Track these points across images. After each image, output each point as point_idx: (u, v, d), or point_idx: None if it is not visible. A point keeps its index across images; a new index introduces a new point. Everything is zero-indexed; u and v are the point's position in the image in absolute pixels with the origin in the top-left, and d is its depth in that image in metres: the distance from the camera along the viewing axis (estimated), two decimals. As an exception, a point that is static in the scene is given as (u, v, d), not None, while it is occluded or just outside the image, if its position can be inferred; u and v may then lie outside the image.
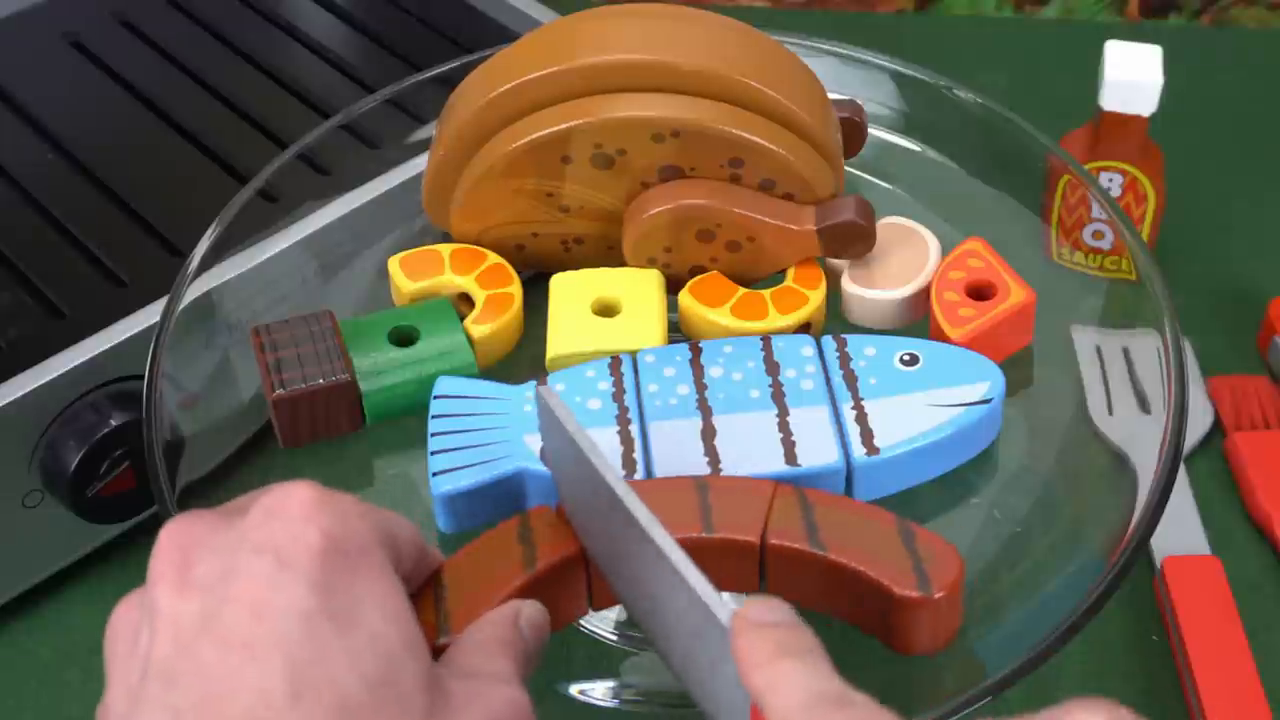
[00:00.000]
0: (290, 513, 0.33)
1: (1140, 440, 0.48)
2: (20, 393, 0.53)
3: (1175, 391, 0.48)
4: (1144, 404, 0.54)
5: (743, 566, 0.42)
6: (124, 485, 0.55)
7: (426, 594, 0.40)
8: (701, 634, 0.35)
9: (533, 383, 0.48)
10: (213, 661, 0.31)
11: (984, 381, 0.47)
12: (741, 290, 0.51)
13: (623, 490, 0.38)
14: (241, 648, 0.31)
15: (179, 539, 0.33)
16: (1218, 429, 0.64)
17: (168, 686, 0.31)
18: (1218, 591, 0.56)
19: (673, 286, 0.52)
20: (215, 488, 0.49)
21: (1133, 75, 0.62)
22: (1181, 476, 0.61)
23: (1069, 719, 0.28)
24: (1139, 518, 0.45)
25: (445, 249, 0.53)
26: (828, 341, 0.49)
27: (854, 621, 0.42)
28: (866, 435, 0.46)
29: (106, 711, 0.33)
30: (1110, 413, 0.54)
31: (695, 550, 0.41)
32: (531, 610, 0.38)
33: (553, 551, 0.41)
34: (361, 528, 0.34)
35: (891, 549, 0.41)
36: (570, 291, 0.51)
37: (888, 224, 0.53)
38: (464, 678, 0.34)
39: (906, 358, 0.48)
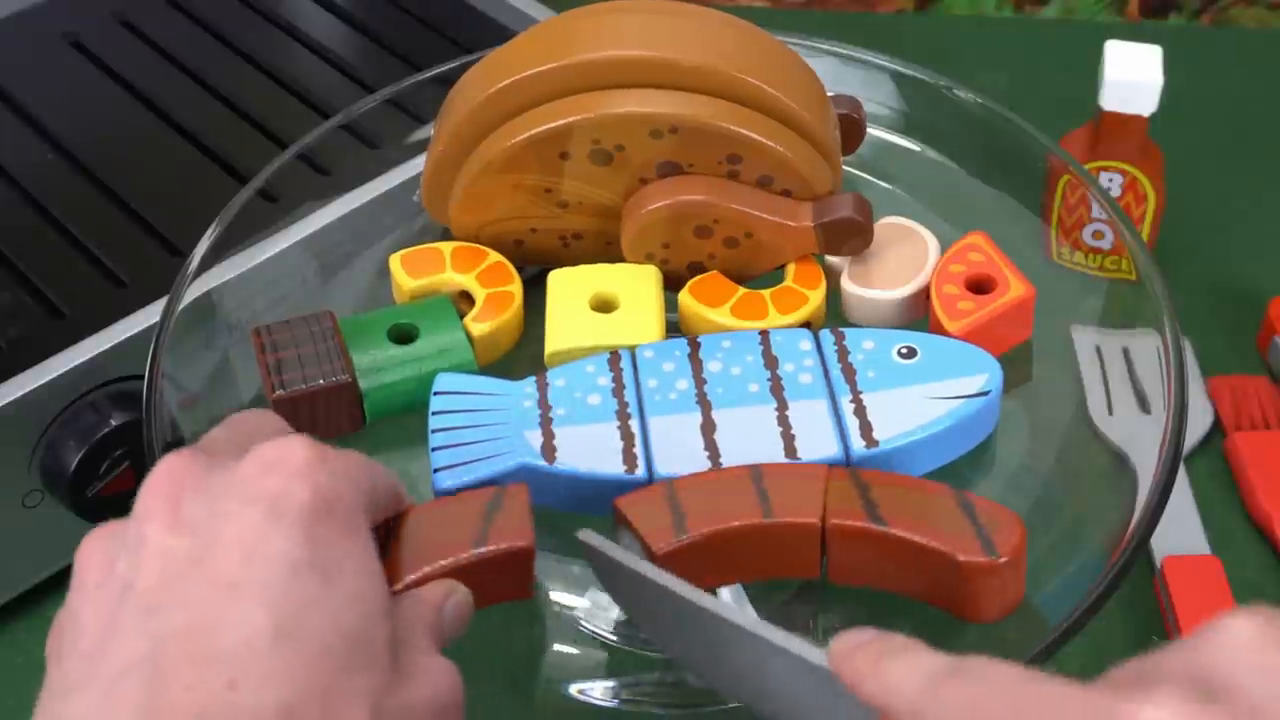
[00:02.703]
0: (286, 467, 0.34)
1: (1140, 440, 0.48)
2: (20, 393, 0.53)
3: (1175, 391, 0.48)
4: (1144, 404, 0.54)
5: (805, 550, 0.43)
6: (124, 485, 0.55)
7: (377, 536, 0.40)
8: (812, 690, 0.36)
9: (532, 378, 0.48)
10: (199, 596, 0.32)
11: (982, 374, 0.47)
12: (741, 290, 0.51)
13: (696, 595, 0.39)
14: (229, 587, 0.32)
15: (174, 477, 0.34)
16: (1218, 429, 0.64)
17: (150, 614, 0.32)
18: (1218, 591, 0.56)
19: (671, 283, 0.52)
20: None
21: (1133, 75, 0.62)
22: (1181, 476, 0.61)
23: (1222, 627, 0.28)
24: (1139, 518, 0.45)
25: (446, 247, 0.53)
26: (825, 335, 0.49)
27: (919, 595, 0.43)
28: (865, 428, 0.46)
29: (77, 632, 0.33)
30: (1110, 413, 0.54)
31: (757, 536, 0.42)
32: (461, 596, 0.39)
33: (503, 539, 0.40)
34: (348, 490, 0.35)
35: (952, 519, 0.42)
36: (568, 287, 0.51)
37: (887, 224, 0.53)
38: (409, 648, 0.35)
39: (904, 351, 0.48)
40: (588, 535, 0.42)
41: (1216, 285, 0.70)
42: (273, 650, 0.31)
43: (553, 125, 0.49)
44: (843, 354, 0.48)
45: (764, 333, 0.49)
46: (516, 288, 0.52)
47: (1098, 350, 0.56)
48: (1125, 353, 0.56)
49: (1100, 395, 0.55)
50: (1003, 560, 0.41)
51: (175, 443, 0.49)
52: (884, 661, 0.33)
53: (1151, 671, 0.28)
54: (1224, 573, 0.57)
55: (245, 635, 0.31)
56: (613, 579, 0.42)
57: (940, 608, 0.42)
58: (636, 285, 0.51)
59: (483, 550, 0.40)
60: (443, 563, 0.39)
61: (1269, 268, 0.71)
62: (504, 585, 0.41)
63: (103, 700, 0.31)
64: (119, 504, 0.56)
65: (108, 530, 0.35)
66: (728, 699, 0.41)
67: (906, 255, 0.52)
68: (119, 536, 0.34)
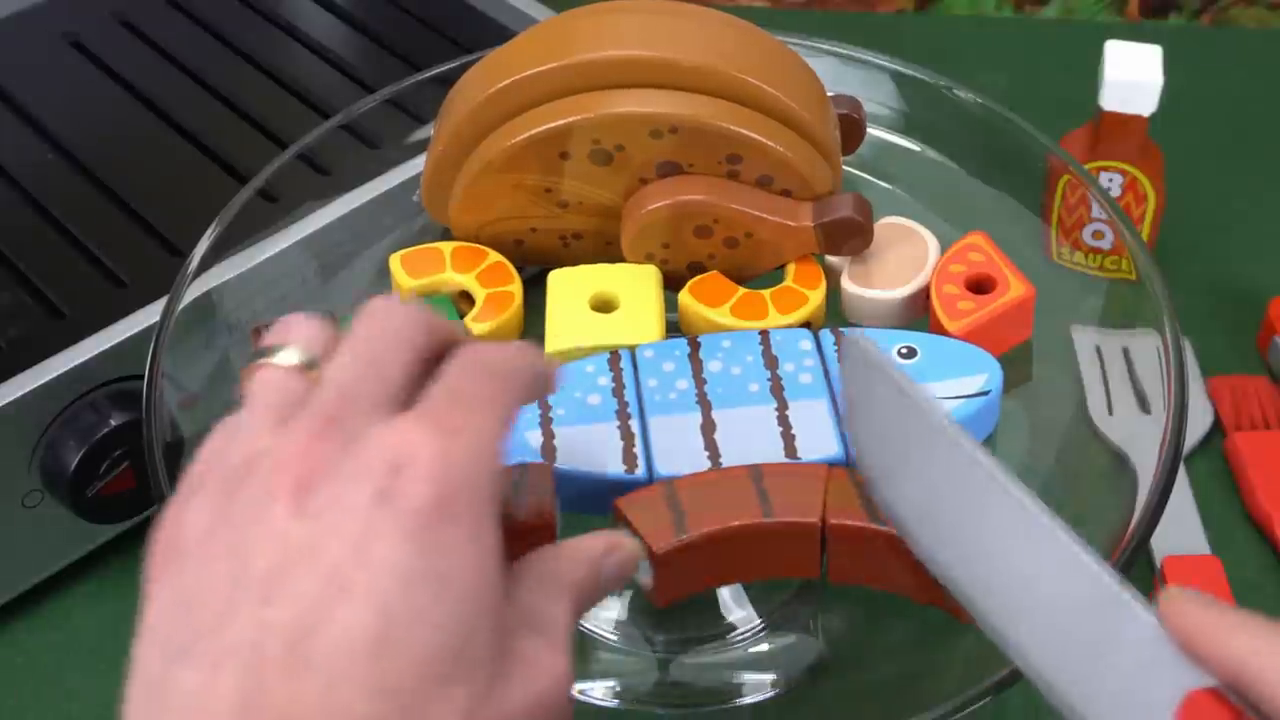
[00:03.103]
0: (410, 466, 0.33)
1: (1140, 440, 0.48)
2: (20, 393, 0.53)
3: (1175, 391, 0.48)
4: (1144, 404, 0.54)
5: (805, 550, 0.43)
6: (124, 485, 0.55)
7: None
8: (1087, 611, 0.33)
9: None
10: (310, 591, 0.31)
11: (982, 374, 0.47)
12: (741, 290, 0.51)
13: (985, 460, 0.35)
14: (339, 587, 0.31)
15: (307, 456, 0.33)
16: (1218, 429, 0.64)
17: (261, 601, 0.31)
18: (1218, 591, 0.56)
19: (671, 283, 0.52)
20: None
21: (1133, 75, 0.62)
22: (1181, 476, 0.61)
23: None
24: (1139, 518, 0.45)
25: (446, 247, 0.53)
26: (825, 335, 0.49)
27: (914, 594, 0.42)
28: None
29: (195, 597, 0.32)
30: (1110, 413, 0.54)
31: (757, 536, 0.42)
32: (626, 552, 0.38)
33: (526, 512, 0.40)
34: (479, 475, 0.34)
35: None
36: (568, 287, 0.51)
37: (887, 224, 0.53)
38: (520, 629, 0.34)
39: (904, 350, 0.48)
40: (858, 337, 0.37)
41: (1216, 285, 0.70)
42: (373, 659, 0.31)
43: (553, 125, 0.49)
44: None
45: (764, 333, 0.49)
46: (516, 288, 0.52)
47: (1098, 350, 0.56)
48: (1125, 353, 0.56)
49: (1100, 395, 0.55)
50: None
51: (175, 443, 0.49)
52: (1268, 627, 0.31)
53: None
54: (1224, 573, 0.57)
55: (348, 640, 0.31)
56: (866, 395, 0.38)
57: (938, 606, 0.42)
58: (636, 285, 0.51)
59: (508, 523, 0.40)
60: None
61: (1269, 268, 0.71)
62: None
63: (208, 678, 0.31)
64: (119, 504, 0.56)
65: (245, 483, 0.34)
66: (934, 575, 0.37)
67: (906, 255, 0.52)
68: (253, 498, 0.33)
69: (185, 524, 0.34)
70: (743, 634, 0.49)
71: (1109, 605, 0.33)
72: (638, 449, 0.46)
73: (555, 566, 0.36)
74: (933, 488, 0.36)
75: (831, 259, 0.52)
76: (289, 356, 0.36)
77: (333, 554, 0.32)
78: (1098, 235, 0.59)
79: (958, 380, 0.47)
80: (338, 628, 0.31)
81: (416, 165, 0.59)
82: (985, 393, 0.47)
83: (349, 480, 0.33)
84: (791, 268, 0.52)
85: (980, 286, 0.51)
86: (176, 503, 0.34)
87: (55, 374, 0.53)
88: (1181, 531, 0.59)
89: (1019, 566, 0.34)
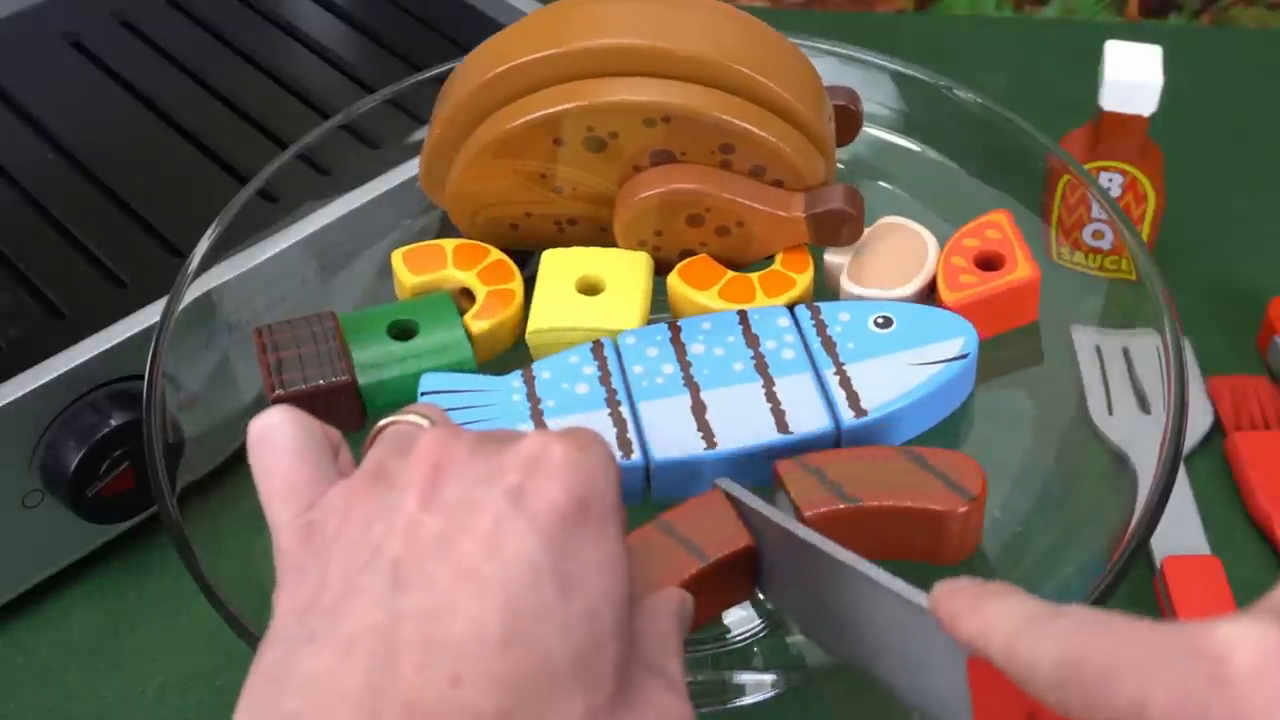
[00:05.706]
0: (545, 467, 0.33)
1: (1140, 440, 0.48)
2: (20, 393, 0.53)
3: (1175, 391, 0.48)
4: (1144, 404, 0.54)
5: (742, 575, 0.42)
6: (124, 485, 0.55)
7: None
8: (908, 630, 0.36)
9: (518, 372, 0.49)
10: (441, 581, 0.32)
11: (958, 337, 0.48)
12: (730, 273, 0.52)
13: (805, 533, 0.39)
14: (470, 577, 0.31)
15: (439, 454, 0.34)
16: (1218, 429, 0.63)
17: (394, 588, 0.32)
18: (1218, 591, 0.56)
19: (663, 269, 0.52)
20: (215, 487, 0.49)
21: (1133, 75, 0.62)
22: (1181, 476, 0.60)
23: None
24: (1139, 518, 0.45)
25: (448, 244, 0.53)
26: (802, 310, 0.50)
27: (899, 556, 0.43)
28: (852, 398, 0.47)
29: (323, 583, 0.33)
30: (1110, 413, 0.54)
31: (695, 582, 0.41)
32: (690, 604, 0.39)
33: None
34: (608, 493, 0.34)
35: (915, 476, 0.42)
36: (558, 268, 0.51)
37: (887, 223, 0.53)
38: (644, 670, 0.34)
39: (880, 320, 0.49)
40: (726, 483, 0.42)
41: (1216, 285, 0.70)
42: (500, 653, 0.31)
43: (547, 111, 0.49)
44: (820, 328, 0.49)
45: (742, 313, 0.50)
46: (517, 285, 0.52)
47: (1098, 350, 0.56)
48: (1125, 353, 0.56)
49: (1100, 395, 0.55)
50: (978, 496, 0.42)
51: (175, 443, 0.49)
52: (983, 601, 0.33)
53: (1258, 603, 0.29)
54: (1224, 573, 0.57)
55: (477, 631, 0.31)
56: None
57: (914, 560, 0.43)
58: (625, 270, 0.51)
59: None
60: None
61: (1269, 268, 0.71)
62: None
63: (335, 662, 0.31)
64: (119, 504, 0.56)
65: (373, 483, 0.35)
66: (826, 652, 0.42)
67: (906, 255, 0.52)
68: (381, 494, 0.34)
69: (315, 524, 0.34)
70: (742, 634, 0.49)
71: (918, 623, 0.35)
72: (631, 434, 0.46)
73: (666, 622, 0.37)
74: (786, 568, 0.41)
75: (832, 259, 0.52)
76: (416, 419, 0.37)
77: (463, 546, 0.32)
78: (1098, 235, 0.59)
79: (936, 345, 0.48)
80: (468, 616, 0.31)
81: (416, 165, 0.59)
82: (964, 355, 0.47)
83: (482, 477, 0.33)
84: (780, 252, 0.52)
85: (989, 263, 0.51)
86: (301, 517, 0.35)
87: (55, 374, 0.53)
88: (1181, 531, 0.59)
89: (863, 616, 0.38)
